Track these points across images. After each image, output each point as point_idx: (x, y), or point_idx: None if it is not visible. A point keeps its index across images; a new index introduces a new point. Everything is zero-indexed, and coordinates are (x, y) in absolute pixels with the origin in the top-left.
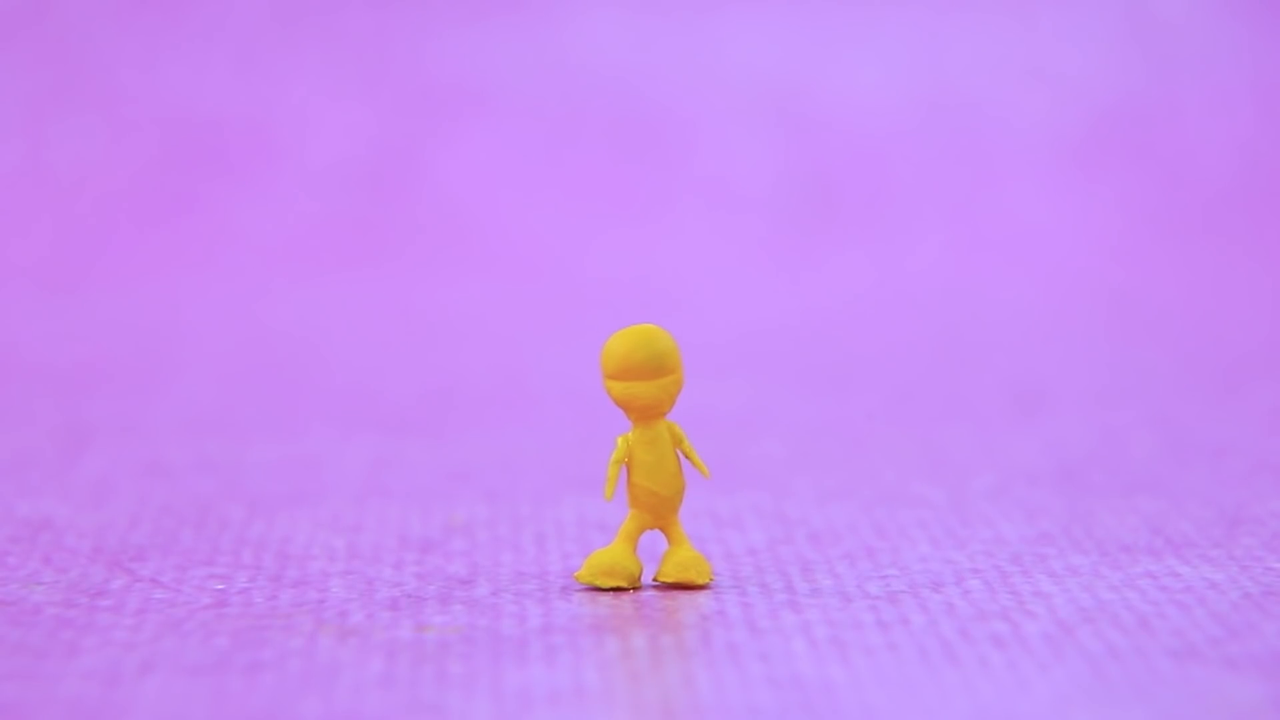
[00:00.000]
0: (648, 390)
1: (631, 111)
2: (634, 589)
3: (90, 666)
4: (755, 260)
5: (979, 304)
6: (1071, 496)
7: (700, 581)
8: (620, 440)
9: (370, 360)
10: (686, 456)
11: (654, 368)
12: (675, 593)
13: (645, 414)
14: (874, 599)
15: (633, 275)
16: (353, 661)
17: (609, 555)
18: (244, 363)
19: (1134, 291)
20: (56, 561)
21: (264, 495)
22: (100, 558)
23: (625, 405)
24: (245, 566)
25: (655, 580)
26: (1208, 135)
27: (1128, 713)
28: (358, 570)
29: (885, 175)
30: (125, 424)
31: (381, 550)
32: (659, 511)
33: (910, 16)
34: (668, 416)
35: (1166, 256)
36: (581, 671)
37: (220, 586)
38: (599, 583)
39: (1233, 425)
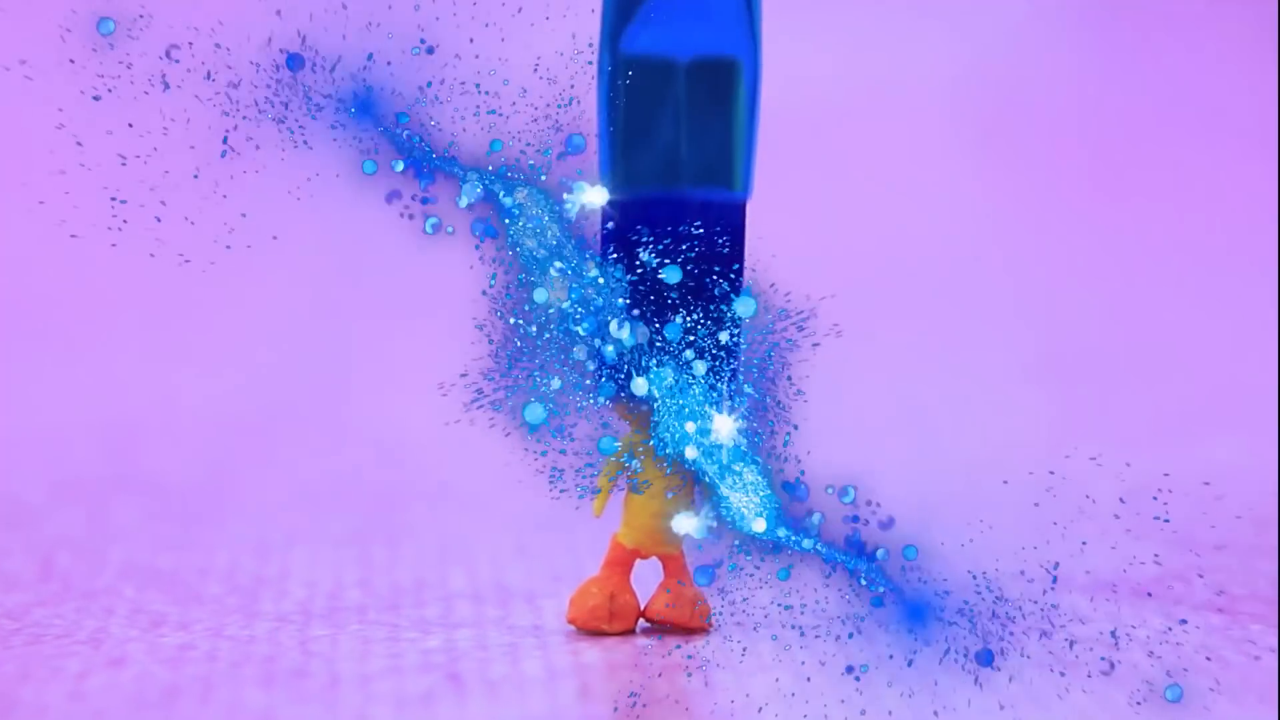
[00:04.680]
0: None
1: None
2: (626, 632)
3: None
4: None
5: None
6: None
7: (695, 625)
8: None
9: None
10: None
11: None
12: (664, 636)
13: None
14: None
15: None
16: None
17: (601, 593)
18: None
19: None
20: None
21: None
22: None
23: None
24: None
25: (644, 617)
26: None
27: None
28: None
29: None
30: None
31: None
32: (657, 537)
33: None
34: None
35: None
36: None
37: None
38: (598, 629)
39: None
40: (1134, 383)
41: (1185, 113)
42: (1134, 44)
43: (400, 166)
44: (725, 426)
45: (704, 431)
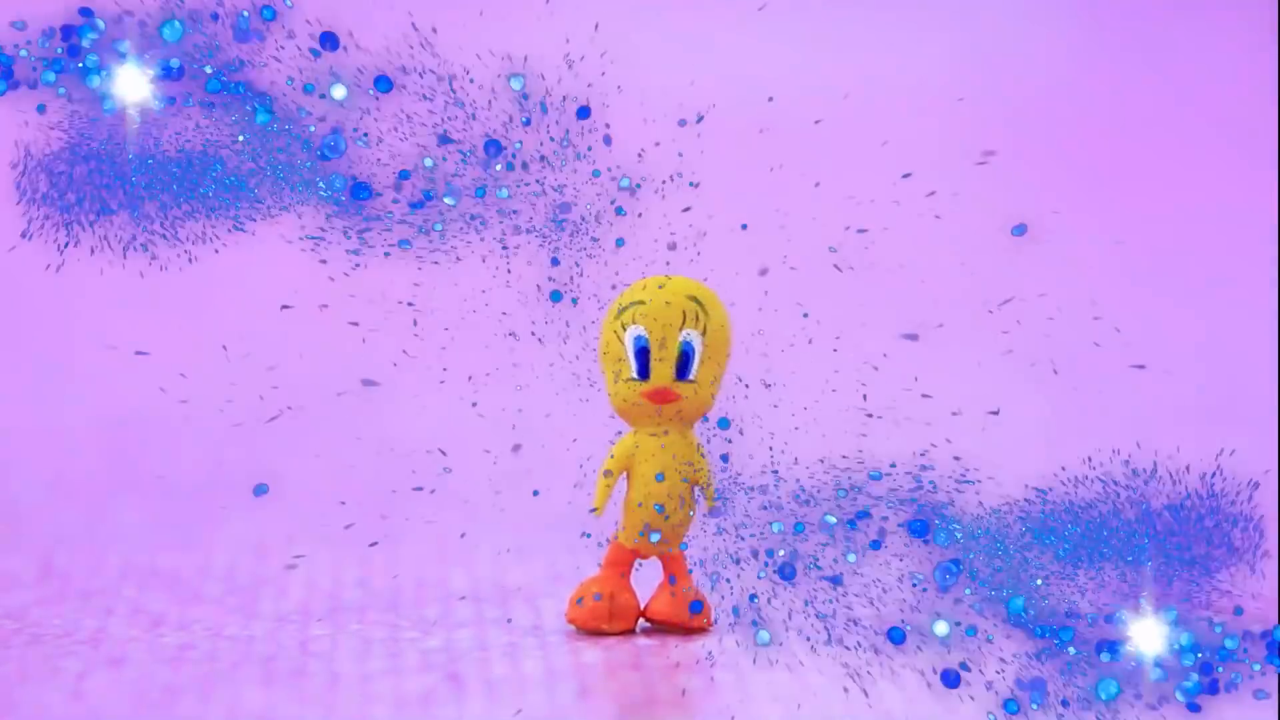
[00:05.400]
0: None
1: None
2: (626, 632)
3: None
4: None
5: None
6: None
7: (695, 624)
8: (619, 445)
9: None
10: (695, 481)
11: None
12: (664, 637)
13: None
14: None
15: None
16: None
17: (602, 593)
18: None
19: None
20: None
21: None
22: None
23: None
24: None
25: (642, 616)
26: None
27: None
28: None
29: None
30: None
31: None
32: (659, 536)
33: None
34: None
35: None
36: None
37: None
38: (598, 629)
39: None
40: (1135, 382)
41: (1184, 113)
42: (1131, 45)
43: None
44: None
45: None
